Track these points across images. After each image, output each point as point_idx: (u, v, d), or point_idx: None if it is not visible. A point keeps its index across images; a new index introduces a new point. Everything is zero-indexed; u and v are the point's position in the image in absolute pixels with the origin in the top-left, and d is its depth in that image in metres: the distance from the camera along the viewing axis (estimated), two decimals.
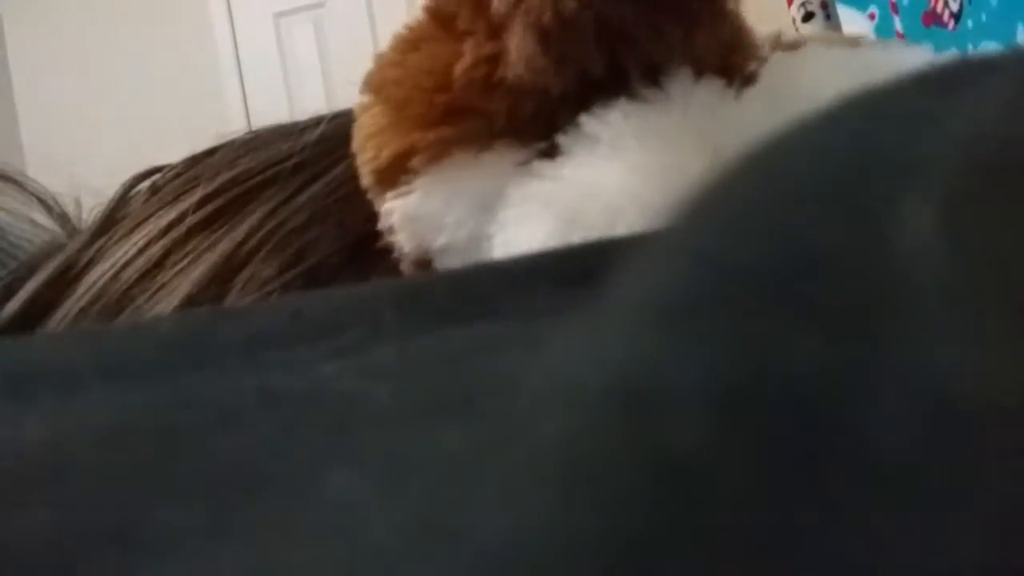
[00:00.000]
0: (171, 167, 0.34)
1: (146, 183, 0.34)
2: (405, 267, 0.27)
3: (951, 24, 1.33)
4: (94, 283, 0.30)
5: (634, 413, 0.10)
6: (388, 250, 0.27)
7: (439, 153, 0.26)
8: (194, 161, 0.34)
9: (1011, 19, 1.19)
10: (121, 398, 0.14)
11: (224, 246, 0.30)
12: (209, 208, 0.31)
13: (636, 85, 0.25)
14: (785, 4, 1.67)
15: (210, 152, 0.34)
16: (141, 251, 0.31)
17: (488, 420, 0.12)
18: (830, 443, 0.10)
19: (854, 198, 0.12)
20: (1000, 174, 0.11)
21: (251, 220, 0.30)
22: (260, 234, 0.30)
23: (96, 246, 0.32)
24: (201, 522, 0.11)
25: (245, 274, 0.29)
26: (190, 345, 0.15)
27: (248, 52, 2.80)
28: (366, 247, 0.28)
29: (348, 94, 0.37)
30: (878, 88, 0.14)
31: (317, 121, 0.33)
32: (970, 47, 1.25)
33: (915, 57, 0.27)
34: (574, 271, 0.15)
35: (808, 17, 1.63)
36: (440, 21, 0.26)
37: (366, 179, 0.27)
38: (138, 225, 0.32)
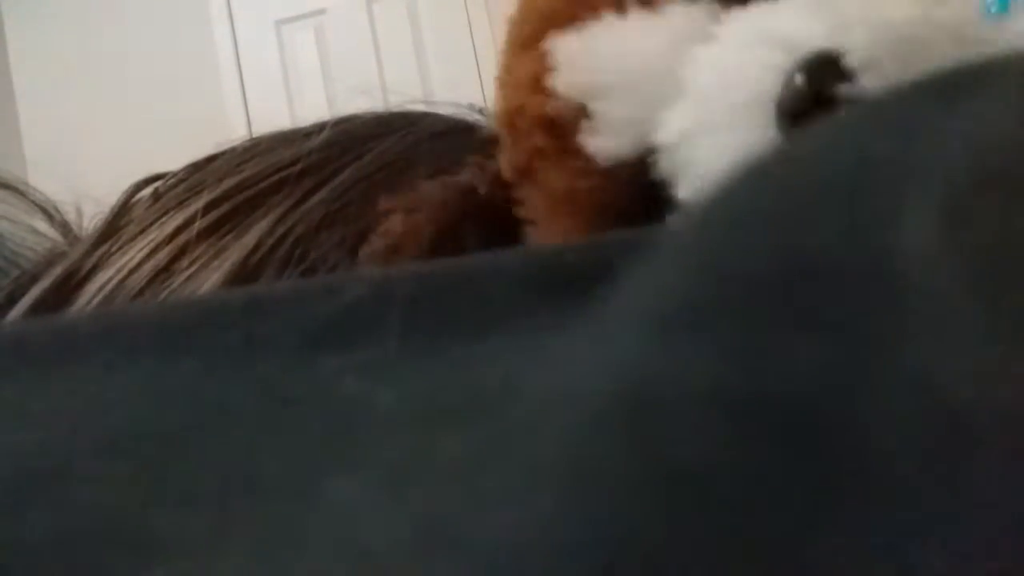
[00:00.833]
0: (173, 174, 0.34)
1: (148, 190, 0.34)
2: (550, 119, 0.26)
3: None
4: (100, 289, 0.30)
5: (636, 418, 0.10)
6: (396, 253, 0.27)
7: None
8: (196, 168, 0.34)
9: None
10: (121, 398, 0.14)
11: (235, 254, 0.30)
12: (215, 214, 0.31)
13: None
14: None
15: (211, 159, 0.34)
16: (147, 257, 0.31)
17: (490, 426, 0.12)
18: (831, 447, 0.10)
19: (855, 205, 0.12)
20: (1000, 180, 0.11)
21: (261, 226, 0.30)
22: (271, 241, 0.30)
23: (99, 253, 0.32)
24: (202, 526, 0.11)
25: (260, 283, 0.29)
26: (191, 344, 0.15)
27: (250, 60, 2.81)
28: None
29: (350, 101, 0.37)
30: (880, 95, 0.14)
31: (320, 127, 0.33)
32: None
33: None
34: (576, 272, 0.15)
35: None
36: None
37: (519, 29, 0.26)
38: (142, 231, 0.32)
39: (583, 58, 0.25)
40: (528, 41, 0.27)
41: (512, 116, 0.27)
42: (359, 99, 0.37)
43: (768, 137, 0.21)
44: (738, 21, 0.24)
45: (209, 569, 0.11)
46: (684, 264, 0.12)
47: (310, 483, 0.12)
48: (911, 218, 0.11)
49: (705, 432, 0.10)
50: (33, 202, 0.35)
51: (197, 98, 2.76)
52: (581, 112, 0.25)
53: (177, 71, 2.81)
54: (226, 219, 0.31)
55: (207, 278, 0.29)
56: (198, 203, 0.31)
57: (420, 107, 0.36)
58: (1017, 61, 0.14)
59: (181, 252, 0.30)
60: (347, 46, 2.69)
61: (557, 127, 0.26)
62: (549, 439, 0.11)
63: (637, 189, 0.25)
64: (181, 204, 0.32)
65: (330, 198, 0.31)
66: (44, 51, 2.89)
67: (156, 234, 0.31)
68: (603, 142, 0.25)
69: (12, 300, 0.31)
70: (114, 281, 0.30)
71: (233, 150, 0.34)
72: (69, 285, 0.31)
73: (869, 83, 0.20)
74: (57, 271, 0.31)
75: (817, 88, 0.21)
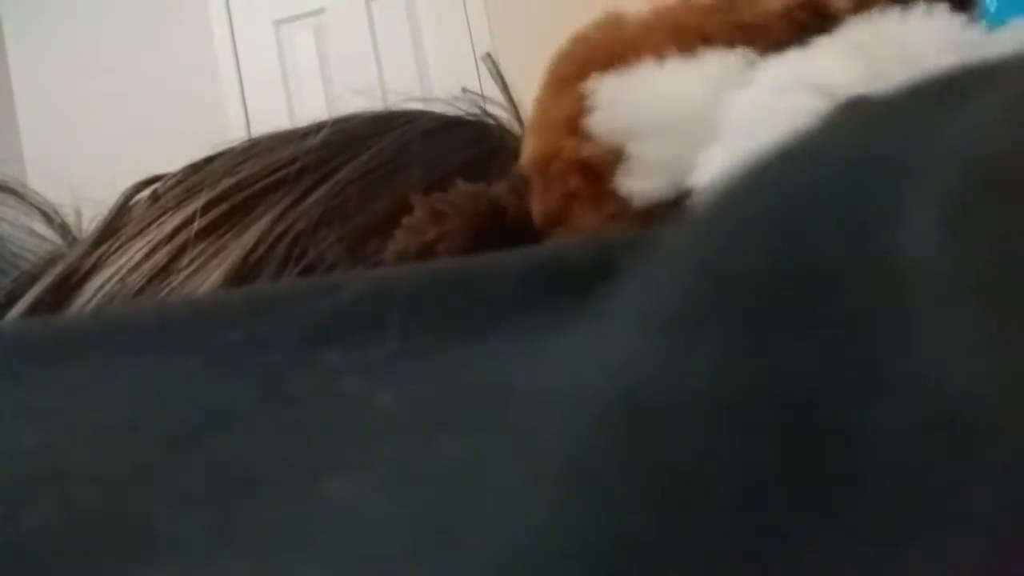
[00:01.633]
0: (171, 175, 0.34)
1: (147, 191, 0.34)
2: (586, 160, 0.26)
3: None
4: (99, 289, 0.30)
5: (635, 420, 0.10)
6: (426, 255, 0.27)
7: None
8: (194, 169, 0.34)
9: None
10: (121, 397, 0.14)
11: (234, 253, 0.30)
12: (214, 213, 0.31)
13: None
14: None
15: (210, 160, 0.34)
16: (147, 256, 0.31)
17: (489, 426, 0.12)
18: (830, 449, 0.10)
19: (855, 207, 0.12)
20: (1000, 180, 0.11)
21: (260, 225, 0.30)
22: (270, 239, 0.30)
23: (98, 253, 0.32)
24: (202, 526, 0.11)
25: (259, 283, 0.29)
26: (191, 343, 0.15)
27: (248, 60, 2.81)
28: (373, 251, 0.28)
29: (348, 101, 0.37)
30: (879, 96, 0.14)
31: (319, 126, 0.33)
32: None
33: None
34: (576, 273, 0.15)
35: None
36: None
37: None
38: (141, 231, 0.32)
39: (622, 100, 0.26)
40: (567, 81, 0.27)
41: (547, 160, 0.27)
42: (358, 99, 0.37)
43: None
44: (775, 66, 0.24)
45: (209, 569, 0.11)
46: (684, 265, 0.12)
47: (310, 482, 0.12)
48: (911, 220, 0.11)
49: (704, 434, 0.10)
50: (32, 204, 0.35)
51: (196, 97, 2.76)
52: (618, 155, 0.25)
53: (176, 71, 2.81)
54: (225, 218, 0.31)
55: (206, 277, 0.30)
56: (197, 203, 0.31)
57: (418, 105, 0.36)
58: (1017, 64, 0.14)
59: (180, 252, 0.30)
60: (346, 46, 2.69)
61: (592, 170, 0.26)
62: (548, 440, 0.11)
63: None
64: (180, 204, 0.32)
65: (328, 196, 0.31)
66: (44, 51, 2.89)
67: (155, 234, 0.31)
68: (639, 184, 0.25)
69: (12, 300, 0.31)
70: (113, 281, 0.30)
71: (231, 151, 0.34)
72: (68, 285, 0.31)
73: None
74: (56, 271, 0.31)
75: None
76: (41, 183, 0.36)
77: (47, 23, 2.89)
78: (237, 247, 0.30)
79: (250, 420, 0.13)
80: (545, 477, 0.10)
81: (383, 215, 0.30)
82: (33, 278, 0.32)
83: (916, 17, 0.23)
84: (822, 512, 0.09)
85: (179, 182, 0.33)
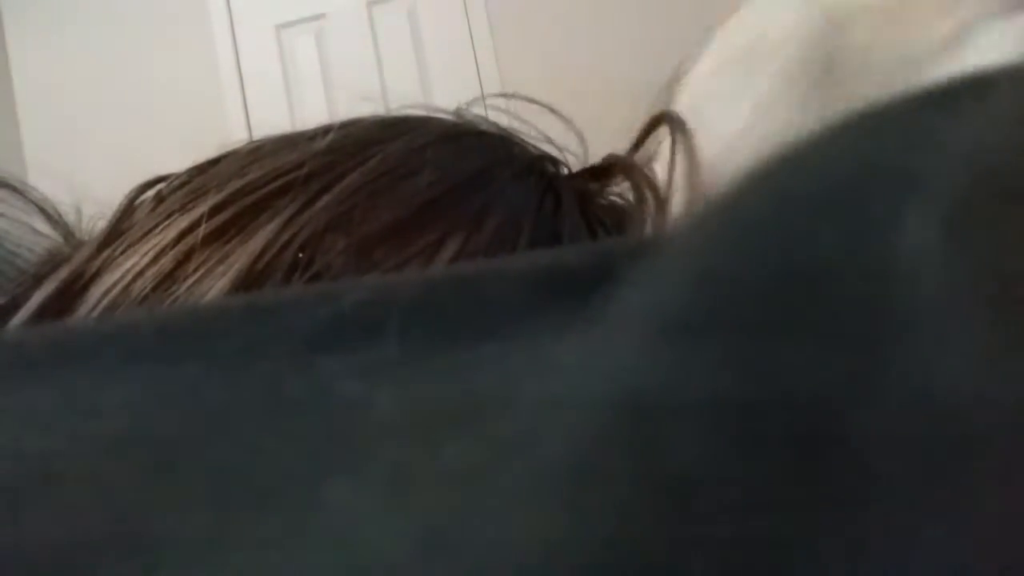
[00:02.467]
0: (176, 176, 0.34)
1: (151, 192, 0.34)
2: None
3: None
4: (104, 294, 0.30)
5: (636, 425, 0.10)
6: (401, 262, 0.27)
7: None
8: (199, 171, 0.34)
9: None
10: (121, 402, 0.14)
11: (241, 259, 0.29)
12: (220, 218, 0.31)
13: None
14: None
15: (215, 161, 0.34)
16: (152, 262, 0.30)
17: (490, 431, 0.12)
18: (831, 453, 0.10)
19: (856, 211, 0.12)
20: (1001, 187, 0.11)
21: (266, 231, 0.30)
22: (277, 246, 0.30)
23: (103, 256, 0.31)
24: (202, 531, 0.11)
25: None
26: (191, 349, 0.15)
27: (250, 64, 2.81)
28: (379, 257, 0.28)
29: (350, 106, 0.37)
30: (881, 103, 0.14)
31: (325, 130, 0.33)
32: None
33: None
34: (577, 277, 0.15)
35: None
36: None
37: None
38: (146, 235, 0.31)
39: None
40: None
41: None
42: (360, 104, 0.37)
43: None
44: None
45: (209, 574, 0.11)
46: (685, 270, 0.12)
47: (310, 487, 0.12)
48: (912, 224, 0.11)
49: (705, 439, 0.10)
50: (32, 202, 0.35)
51: (197, 101, 2.77)
52: None
53: (177, 74, 2.81)
54: (231, 223, 0.31)
55: (213, 284, 0.29)
56: (202, 207, 0.31)
57: (421, 112, 0.36)
58: (1018, 70, 0.14)
59: (186, 257, 0.30)
60: (347, 50, 2.69)
61: None
62: (549, 445, 0.11)
63: None
64: (185, 207, 0.32)
65: (335, 202, 0.30)
66: (44, 53, 2.89)
67: (160, 238, 0.31)
68: None
69: (16, 304, 0.31)
70: (119, 286, 0.30)
71: (236, 153, 0.34)
72: (73, 290, 0.31)
73: None
74: (61, 275, 0.31)
75: None
76: (41, 181, 0.36)
77: (48, 23, 2.90)
78: (244, 254, 0.30)
79: (250, 424, 0.13)
80: (546, 483, 0.10)
81: (391, 223, 0.30)
82: (37, 281, 0.31)
83: None
84: (822, 516, 0.09)
85: (184, 184, 0.33)
